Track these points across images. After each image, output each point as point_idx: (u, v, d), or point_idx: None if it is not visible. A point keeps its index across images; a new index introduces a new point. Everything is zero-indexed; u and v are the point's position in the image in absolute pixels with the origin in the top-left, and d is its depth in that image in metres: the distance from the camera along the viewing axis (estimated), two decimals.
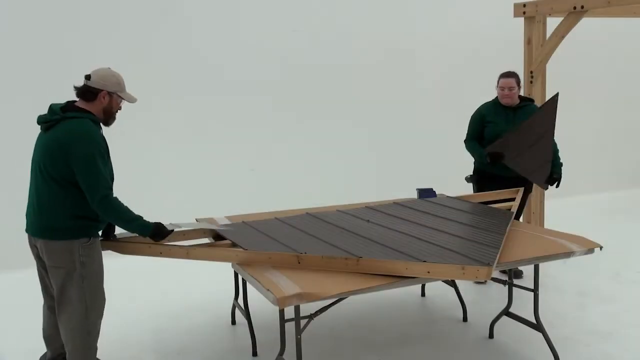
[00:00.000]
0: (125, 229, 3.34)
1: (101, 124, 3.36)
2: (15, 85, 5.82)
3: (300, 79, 6.86)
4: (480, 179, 5.06)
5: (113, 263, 5.41)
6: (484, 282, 4.98)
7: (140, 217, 3.31)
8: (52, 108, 3.24)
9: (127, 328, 4.49)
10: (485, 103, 5.11)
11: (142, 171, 6.19)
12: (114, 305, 4.84)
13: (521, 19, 5.64)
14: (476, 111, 5.11)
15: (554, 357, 3.77)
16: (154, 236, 3.37)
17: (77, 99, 3.32)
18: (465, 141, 5.11)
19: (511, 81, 4.93)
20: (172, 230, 3.46)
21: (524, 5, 5.53)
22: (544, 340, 3.81)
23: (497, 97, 5.06)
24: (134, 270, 5.52)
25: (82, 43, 6.00)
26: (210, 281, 5.33)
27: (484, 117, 5.01)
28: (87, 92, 3.27)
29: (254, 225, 4.02)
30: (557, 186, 4.96)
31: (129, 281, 5.40)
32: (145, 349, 4.18)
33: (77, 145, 3.13)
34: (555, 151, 5.00)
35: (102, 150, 3.20)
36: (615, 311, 4.55)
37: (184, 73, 6.40)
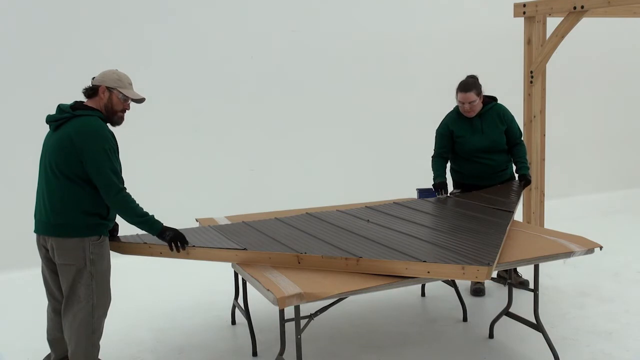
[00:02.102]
0: (138, 224, 3.36)
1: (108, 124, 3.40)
2: (16, 88, 5.81)
3: (300, 78, 6.86)
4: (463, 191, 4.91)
5: (113, 263, 5.42)
6: (482, 295, 4.95)
7: (152, 215, 3.38)
8: (61, 107, 3.30)
9: (127, 328, 4.50)
10: (450, 114, 4.85)
11: (142, 171, 6.19)
12: (114, 305, 4.84)
13: (521, 19, 5.64)
14: (443, 125, 4.84)
15: (554, 357, 3.77)
16: (162, 234, 3.39)
17: (84, 100, 3.39)
18: (432, 157, 4.88)
19: (470, 95, 4.61)
20: (183, 240, 3.47)
21: (524, 5, 5.53)
22: (544, 340, 3.81)
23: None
24: (134, 270, 5.51)
25: (82, 43, 5.99)
26: (210, 281, 5.34)
27: (454, 133, 4.77)
28: (89, 89, 3.35)
29: (254, 225, 4.02)
30: (525, 185, 4.79)
31: (129, 281, 5.39)
32: (145, 349, 4.18)
33: (89, 142, 3.17)
34: (522, 152, 4.85)
35: (113, 146, 3.26)
36: (615, 311, 4.55)
37: (183, 73, 6.40)
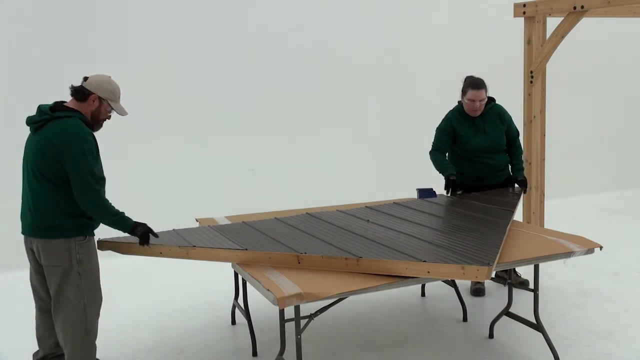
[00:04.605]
0: (112, 224, 3.34)
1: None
2: (4, 88, 5.81)
3: (300, 79, 6.86)
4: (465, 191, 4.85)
5: (113, 263, 5.42)
6: (482, 295, 4.95)
7: (123, 212, 3.36)
8: (41, 108, 3.28)
9: (127, 328, 4.50)
10: (452, 112, 4.78)
11: (142, 171, 6.19)
12: (114, 305, 4.85)
13: (521, 19, 5.64)
14: (446, 122, 4.76)
15: (554, 357, 3.77)
16: (133, 229, 3.39)
17: (66, 100, 3.37)
18: (430, 152, 4.76)
19: (482, 93, 4.56)
20: (150, 234, 3.48)
21: (524, 5, 5.53)
22: (544, 340, 3.81)
23: (461, 104, 4.74)
24: (134, 270, 5.52)
25: (80, 44, 5.99)
26: (210, 281, 5.34)
27: (456, 131, 4.70)
28: (79, 92, 3.32)
29: (254, 225, 4.02)
30: (525, 191, 4.79)
31: (129, 281, 5.40)
32: (145, 349, 4.18)
33: (68, 144, 3.16)
34: (519, 154, 4.86)
35: (92, 147, 3.24)
36: (615, 311, 4.55)
37: (183, 73, 6.40)
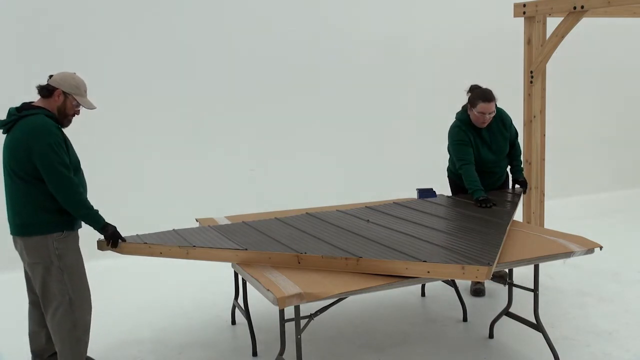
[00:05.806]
0: (85, 217, 3.38)
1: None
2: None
3: (299, 79, 6.86)
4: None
5: (113, 263, 5.43)
6: (482, 295, 4.94)
7: (97, 209, 3.40)
8: (10, 110, 3.37)
9: (127, 328, 4.50)
10: (459, 126, 4.60)
11: (142, 172, 6.19)
12: (114, 305, 4.85)
13: (521, 19, 5.64)
14: (462, 134, 4.57)
15: (554, 357, 3.77)
16: (104, 228, 3.42)
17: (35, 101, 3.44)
18: (461, 167, 4.54)
19: (493, 105, 4.45)
20: (121, 237, 3.51)
21: (524, 5, 5.53)
22: (544, 340, 3.81)
23: (466, 113, 4.61)
24: (134, 270, 5.52)
25: (73, 43, 5.99)
26: (210, 281, 5.34)
27: (471, 141, 4.59)
28: (44, 88, 3.39)
29: (254, 225, 4.02)
30: (525, 192, 4.76)
31: (129, 281, 5.40)
32: (145, 349, 4.18)
33: (34, 140, 3.22)
34: (518, 154, 4.84)
35: (58, 139, 3.29)
36: (615, 311, 4.55)
37: (183, 73, 6.40)
